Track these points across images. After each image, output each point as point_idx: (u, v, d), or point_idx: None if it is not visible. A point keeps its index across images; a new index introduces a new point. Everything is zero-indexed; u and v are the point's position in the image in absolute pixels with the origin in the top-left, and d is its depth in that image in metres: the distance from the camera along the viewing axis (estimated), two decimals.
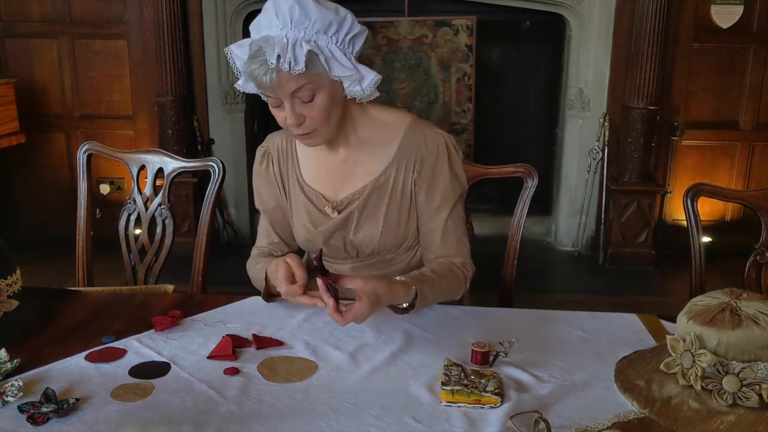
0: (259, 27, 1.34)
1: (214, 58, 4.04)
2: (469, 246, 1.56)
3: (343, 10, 1.35)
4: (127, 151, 1.89)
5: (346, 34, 1.35)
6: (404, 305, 1.32)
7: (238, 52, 1.33)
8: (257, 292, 1.51)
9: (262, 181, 1.59)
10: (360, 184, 1.50)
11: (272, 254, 1.60)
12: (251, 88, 1.41)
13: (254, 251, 1.64)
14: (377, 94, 1.40)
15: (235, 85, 1.45)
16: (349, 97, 1.39)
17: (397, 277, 1.33)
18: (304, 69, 1.28)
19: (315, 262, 1.22)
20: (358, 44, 1.39)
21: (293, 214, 1.56)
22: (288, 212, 1.58)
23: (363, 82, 1.36)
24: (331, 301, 1.21)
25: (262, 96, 1.41)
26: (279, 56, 1.26)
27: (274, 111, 1.39)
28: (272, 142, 1.59)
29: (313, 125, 1.37)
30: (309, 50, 1.28)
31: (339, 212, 1.50)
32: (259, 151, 1.60)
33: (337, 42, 1.34)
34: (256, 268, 1.54)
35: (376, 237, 1.50)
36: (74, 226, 1.85)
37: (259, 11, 1.35)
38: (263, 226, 1.62)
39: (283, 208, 1.58)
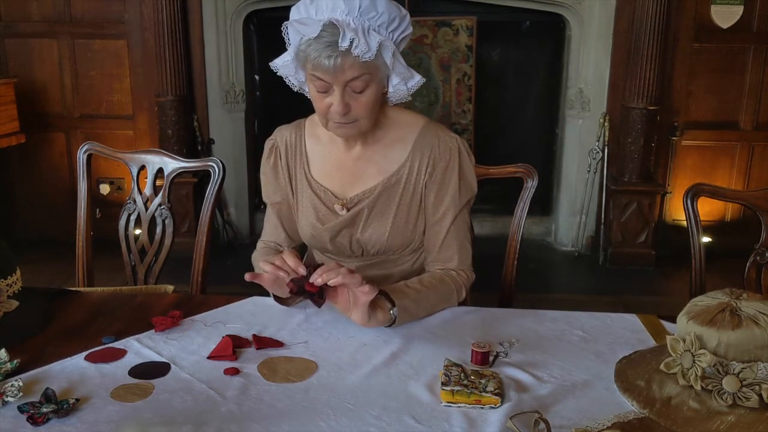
0: (314, 8, 1.33)
1: (214, 58, 4.03)
2: (472, 252, 1.56)
3: (404, 9, 1.37)
4: (127, 151, 1.89)
5: (401, 33, 1.37)
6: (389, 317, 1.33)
7: (301, 29, 1.31)
8: (257, 292, 1.51)
9: (270, 175, 1.58)
10: (371, 183, 1.50)
11: (278, 249, 1.60)
12: (288, 71, 1.40)
13: (260, 244, 1.63)
14: (409, 97, 1.42)
15: (271, 64, 1.43)
16: (389, 94, 1.41)
17: (382, 289, 1.34)
18: (373, 57, 1.28)
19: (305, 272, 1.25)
20: (404, 45, 1.42)
21: (299, 210, 1.56)
22: (294, 207, 1.58)
23: (410, 81, 1.39)
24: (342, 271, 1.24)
25: (290, 81, 1.41)
26: (352, 41, 1.26)
27: (316, 96, 1.37)
28: (281, 135, 1.58)
29: (357, 116, 1.37)
30: (380, 41, 1.29)
31: (348, 210, 1.50)
32: (267, 144, 1.59)
33: (393, 39, 1.36)
34: (260, 265, 1.52)
35: (384, 236, 1.50)
36: (74, 226, 1.85)
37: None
38: (271, 221, 1.62)
39: (289, 202, 1.58)
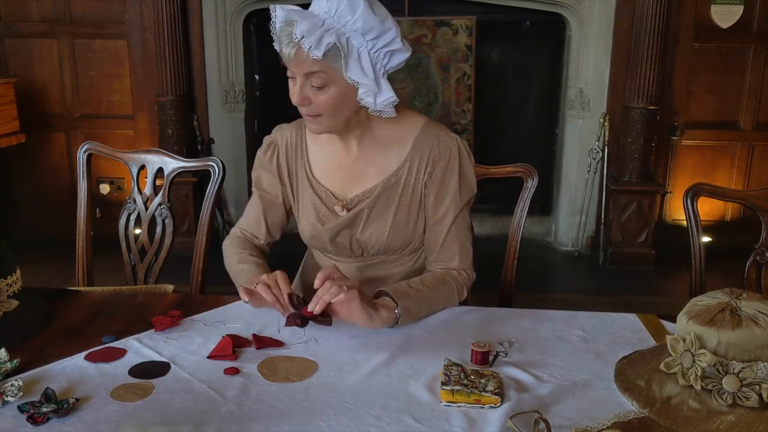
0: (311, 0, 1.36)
1: (214, 58, 4.04)
2: (473, 251, 1.56)
3: (390, 23, 1.35)
4: (127, 151, 1.89)
5: (384, 46, 1.36)
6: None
7: (281, 14, 1.34)
8: None
9: (265, 170, 1.59)
10: (371, 183, 1.50)
11: (253, 242, 1.60)
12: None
13: (236, 231, 1.63)
14: (392, 113, 1.40)
15: (274, 43, 1.44)
16: (362, 103, 1.40)
17: (383, 290, 1.35)
18: (320, 57, 1.29)
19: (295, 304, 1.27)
20: (395, 61, 1.39)
21: (299, 210, 1.56)
22: (287, 205, 1.59)
23: (378, 96, 1.37)
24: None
25: None
26: (304, 36, 1.28)
27: (289, 80, 1.40)
28: (281, 133, 1.58)
29: (318, 111, 1.38)
30: (334, 43, 1.29)
31: (348, 210, 1.50)
32: (266, 141, 1.60)
33: (371, 49, 1.34)
34: (237, 266, 1.52)
35: (384, 236, 1.50)
36: (74, 226, 1.85)
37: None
38: (254, 210, 1.61)
39: (282, 199, 1.58)
